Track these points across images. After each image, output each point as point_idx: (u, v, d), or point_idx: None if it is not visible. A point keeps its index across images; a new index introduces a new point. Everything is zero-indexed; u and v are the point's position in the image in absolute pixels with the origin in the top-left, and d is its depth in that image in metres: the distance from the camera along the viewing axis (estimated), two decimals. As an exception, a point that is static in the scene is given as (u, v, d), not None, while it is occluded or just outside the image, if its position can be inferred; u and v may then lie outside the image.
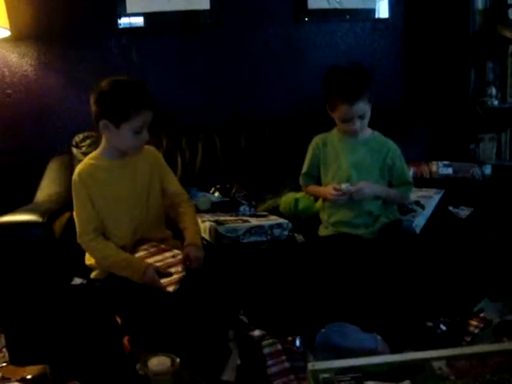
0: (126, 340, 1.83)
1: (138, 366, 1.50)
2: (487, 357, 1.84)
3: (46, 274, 2.05)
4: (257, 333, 1.94)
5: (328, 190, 2.19)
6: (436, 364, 1.82)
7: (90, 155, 2.02)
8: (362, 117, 2.18)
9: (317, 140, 2.35)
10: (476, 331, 2.01)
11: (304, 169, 2.36)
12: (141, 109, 1.87)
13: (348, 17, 3.13)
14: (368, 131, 2.28)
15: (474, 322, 2.06)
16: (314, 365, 1.77)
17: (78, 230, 1.93)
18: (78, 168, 1.98)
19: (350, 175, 2.22)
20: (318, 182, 2.33)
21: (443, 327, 2.08)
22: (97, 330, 1.84)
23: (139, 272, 1.85)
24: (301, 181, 2.38)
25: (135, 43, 2.83)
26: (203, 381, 1.58)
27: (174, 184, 2.11)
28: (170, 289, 1.83)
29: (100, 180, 1.95)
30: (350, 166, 2.23)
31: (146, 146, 2.07)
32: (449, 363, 1.82)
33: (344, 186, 2.16)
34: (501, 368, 1.81)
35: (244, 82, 3.00)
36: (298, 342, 1.95)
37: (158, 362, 1.48)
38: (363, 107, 2.16)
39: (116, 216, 1.96)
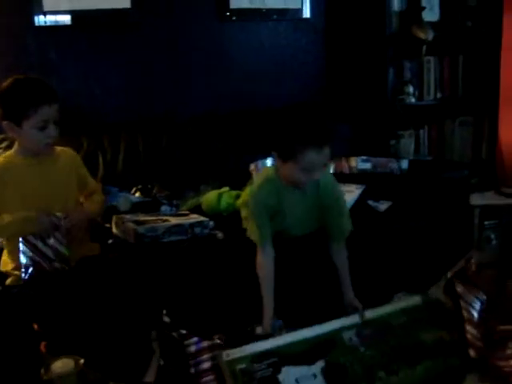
0: (42, 346, 1.79)
1: (42, 371, 1.47)
2: (389, 320, 1.92)
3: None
4: (179, 332, 1.94)
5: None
6: (346, 335, 1.87)
7: (6, 154, 2.02)
8: (325, 164, 1.94)
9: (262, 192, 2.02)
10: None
11: (257, 229, 2.01)
12: (39, 104, 1.85)
13: (270, 17, 3.18)
14: None
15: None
16: (228, 354, 1.71)
17: None
18: None
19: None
20: None
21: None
22: (13, 337, 1.80)
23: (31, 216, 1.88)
24: (258, 253, 2.01)
25: (53, 42, 2.75)
26: (111, 380, 1.56)
27: (91, 184, 2.14)
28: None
29: (13, 177, 1.94)
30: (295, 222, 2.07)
31: (65, 149, 2.08)
32: (358, 333, 1.86)
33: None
34: (401, 331, 1.91)
35: (167, 81, 2.98)
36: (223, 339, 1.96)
37: (62, 364, 1.46)
38: (328, 153, 1.89)
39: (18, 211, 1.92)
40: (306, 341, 1.84)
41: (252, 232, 2.04)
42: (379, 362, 1.88)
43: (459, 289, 1.90)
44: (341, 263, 2.06)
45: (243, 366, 1.73)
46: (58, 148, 2.06)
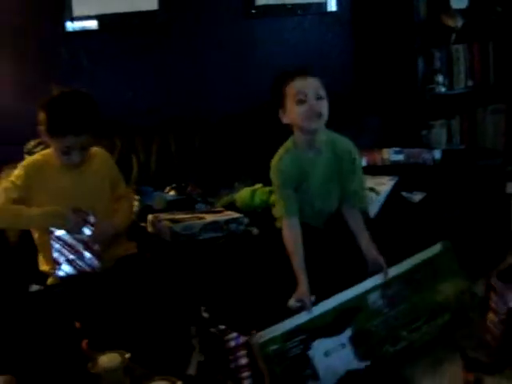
0: (84, 344, 1.83)
1: (89, 365, 1.51)
2: (410, 276, 2.03)
3: (2, 282, 2.02)
4: (218, 328, 1.96)
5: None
6: (371, 297, 1.95)
7: (47, 151, 2.07)
8: (318, 96, 2.02)
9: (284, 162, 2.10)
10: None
11: (282, 200, 2.08)
12: (66, 133, 1.91)
13: (296, 12, 3.17)
14: (324, 136, 2.12)
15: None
16: (260, 336, 1.79)
17: None
18: (32, 158, 2.08)
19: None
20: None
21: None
22: (56, 335, 1.84)
23: (59, 211, 1.92)
24: (283, 221, 2.07)
25: (84, 46, 2.79)
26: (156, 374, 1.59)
27: (122, 187, 2.18)
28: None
29: (48, 175, 2.00)
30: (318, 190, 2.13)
31: (98, 150, 2.14)
32: (382, 294, 1.97)
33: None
34: (421, 286, 2.03)
35: (195, 81, 3.00)
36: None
37: (108, 359, 1.50)
38: (317, 83, 2.03)
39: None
40: (332, 311, 1.90)
41: (278, 205, 2.10)
42: (402, 322, 1.96)
43: (493, 281, 1.92)
44: (357, 226, 2.09)
45: (276, 346, 1.80)
46: (92, 149, 2.11)
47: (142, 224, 2.29)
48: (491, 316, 1.96)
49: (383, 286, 1.97)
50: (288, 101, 2.04)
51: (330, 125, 2.15)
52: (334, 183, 2.13)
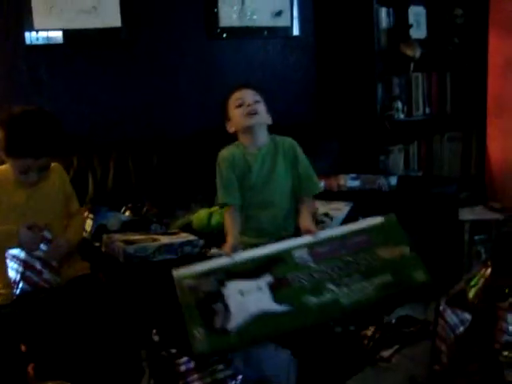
0: (30, 368, 1.79)
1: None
2: (346, 238, 2.01)
3: None
4: (169, 352, 1.94)
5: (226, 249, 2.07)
6: (297, 253, 1.95)
7: (1, 166, 2.03)
8: (256, 101, 2.26)
9: (225, 154, 2.31)
10: (377, 336, 2.10)
11: (223, 189, 2.25)
12: (24, 156, 1.88)
13: (260, 34, 3.21)
14: (267, 137, 2.31)
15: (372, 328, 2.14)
16: (177, 271, 1.87)
17: None
18: None
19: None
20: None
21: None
22: (0, 358, 1.79)
23: (12, 231, 1.88)
24: (225, 211, 2.25)
25: (44, 61, 2.75)
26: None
27: (75, 204, 2.17)
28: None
29: (2, 188, 1.97)
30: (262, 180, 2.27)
31: (55, 165, 2.10)
32: (310, 251, 1.97)
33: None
34: (358, 247, 2.01)
35: (158, 99, 2.99)
36: (214, 359, 1.95)
37: None
38: (254, 93, 2.28)
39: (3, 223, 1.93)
40: (254, 259, 1.94)
41: (220, 194, 2.26)
42: (329, 277, 1.92)
43: (442, 307, 1.95)
44: (303, 208, 2.25)
45: (191, 281, 1.85)
46: None
47: (96, 244, 2.26)
48: (439, 343, 1.97)
49: (312, 245, 1.99)
50: (230, 109, 2.29)
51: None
52: (276, 175, 2.27)
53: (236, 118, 2.28)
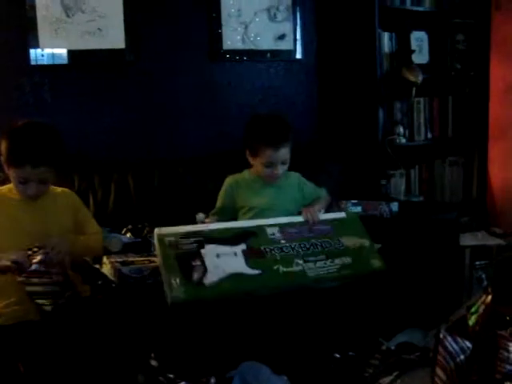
0: (27, 390, 1.77)
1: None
2: (313, 225, 2.28)
3: None
4: (167, 376, 1.92)
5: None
6: (270, 230, 2.18)
7: (8, 186, 2.05)
8: (284, 162, 2.31)
9: (230, 180, 2.42)
10: (377, 363, 2.09)
11: (216, 207, 2.42)
12: (23, 163, 1.89)
13: (263, 57, 3.22)
14: None
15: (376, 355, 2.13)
16: (160, 229, 2.04)
17: None
18: None
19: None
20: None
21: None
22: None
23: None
24: (211, 218, 2.40)
25: (48, 81, 2.77)
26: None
27: (92, 227, 2.18)
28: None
29: (6, 211, 1.97)
30: (264, 208, 2.35)
31: (65, 190, 2.16)
32: (281, 230, 2.20)
33: None
34: (322, 233, 2.28)
35: (159, 121, 3.00)
36: (212, 383, 1.93)
37: None
38: (286, 153, 2.30)
39: (8, 247, 1.91)
40: (230, 229, 2.15)
41: (215, 210, 2.41)
42: (298, 253, 2.16)
43: (442, 334, 1.93)
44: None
45: (172, 238, 2.02)
46: (58, 189, 2.12)
47: (96, 266, 2.25)
48: (439, 372, 1.95)
49: (283, 225, 2.22)
50: (257, 158, 2.32)
51: (291, 169, 2.43)
52: (280, 204, 2.39)
53: (259, 169, 2.34)
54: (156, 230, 2.04)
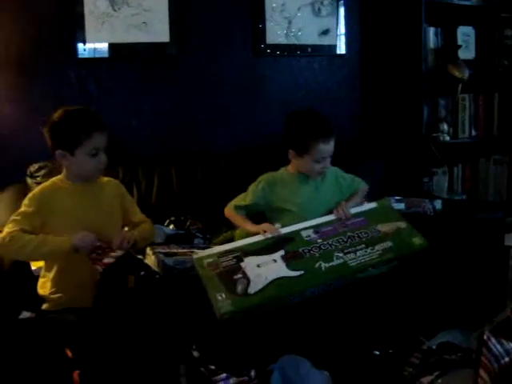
0: (75, 375, 1.80)
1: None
2: (346, 220, 2.27)
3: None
4: (208, 368, 1.93)
5: (268, 227, 2.21)
6: (304, 233, 2.18)
7: (57, 177, 2.08)
8: (331, 156, 2.31)
9: (267, 178, 2.41)
10: (417, 362, 2.06)
11: (245, 201, 2.39)
12: (91, 132, 1.94)
13: (306, 52, 3.21)
14: None
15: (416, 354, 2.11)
16: (197, 253, 2.07)
17: (4, 230, 1.92)
18: (43, 185, 2.06)
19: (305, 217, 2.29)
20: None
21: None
22: (46, 364, 1.81)
23: (66, 239, 1.89)
24: (232, 208, 2.39)
25: (93, 74, 2.82)
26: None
27: (137, 215, 2.20)
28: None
29: (61, 200, 2.00)
30: (302, 208, 2.33)
31: (110, 179, 2.19)
32: (315, 231, 2.21)
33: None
34: (357, 225, 2.27)
35: (202, 115, 3.02)
36: (252, 375, 1.94)
37: None
38: (333, 145, 2.29)
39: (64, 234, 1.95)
40: (266, 240, 2.14)
41: (240, 198, 2.40)
42: (336, 247, 2.15)
43: (486, 336, 1.90)
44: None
45: (210, 260, 2.04)
46: (103, 178, 2.14)
47: (139, 256, 2.28)
48: (482, 374, 1.92)
49: (317, 226, 2.22)
50: (307, 155, 2.28)
51: (334, 165, 2.42)
52: (318, 202, 2.37)
53: (307, 167, 2.31)
54: (194, 256, 2.06)
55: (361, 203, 2.42)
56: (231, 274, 2.00)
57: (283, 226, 2.23)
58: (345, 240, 2.18)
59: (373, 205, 2.38)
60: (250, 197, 2.39)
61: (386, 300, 2.20)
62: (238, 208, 2.38)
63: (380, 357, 2.12)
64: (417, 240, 2.24)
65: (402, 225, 2.29)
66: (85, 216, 2.00)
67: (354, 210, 2.32)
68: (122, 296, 1.95)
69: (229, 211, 2.40)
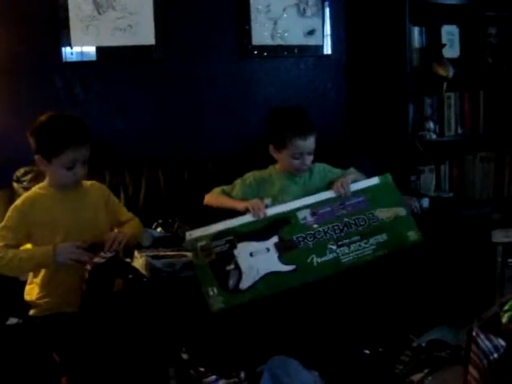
0: (64, 380, 1.80)
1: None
2: (346, 200, 2.23)
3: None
4: (197, 370, 1.93)
5: (255, 203, 2.20)
6: (301, 214, 2.13)
7: (38, 185, 2.07)
8: (311, 153, 2.30)
9: (255, 175, 2.42)
10: (407, 359, 2.07)
11: (232, 193, 2.38)
12: (68, 145, 1.91)
13: (292, 53, 3.22)
14: None
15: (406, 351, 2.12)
16: (190, 234, 2.04)
17: None
18: (25, 195, 2.05)
19: None
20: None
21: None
22: (34, 369, 1.81)
23: (48, 251, 1.87)
24: (218, 192, 2.40)
25: (79, 77, 2.81)
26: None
27: (124, 215, 2.20)
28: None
29: (44, 208, 1.98)
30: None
31: (93, 183, 2.17)
32: (313, 211, 2.16)
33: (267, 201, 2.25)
34: (356, 208, 2.22)
35: (189, 117, 3.02)
36: (242, 377, 1.95)
37: None
38: (313, 143, 2.29)
39: (45, 242, 1.94)
40: (260, 221, 2.11)
41: (223, 187, 2.39)
42: (331, 237, 2.13)
43: (475, 332, 1.91)
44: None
45: (203, 243, 2.02)
46: (87, 182, 2.13)
47: (127, 259, 2.27)
48: (472, 370, 1.93)
49: (314, 206, 2.17)
50: (285, 150, 2.30)
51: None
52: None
53: (288, 164, 2.32)
54: (187, 236, 2.05)
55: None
56: (224, 263, 2.01)
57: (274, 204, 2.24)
58: (340, 228, 2.15)
59: (375, 180, 2.33)
60: (237, 191, 2.38)
61: (375, 298, 2.22)
62: (224, 192, 2.39)
63: (370, 355, 2.13)
64: (412, 234, 2.23)
65: (402, 212, 2.26)
66: (68, 222, 1.99)
67: (354, 187, 2.28)
68: (110, 299, 1.95)
69: (212, 196, 2.40)
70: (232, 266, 2.00)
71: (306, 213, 2.15)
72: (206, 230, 2.06)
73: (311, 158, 2.33)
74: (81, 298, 1.89)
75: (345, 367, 2.03)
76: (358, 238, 2.15)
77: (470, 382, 1.93)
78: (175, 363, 1.91)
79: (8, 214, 1.97)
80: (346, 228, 2.16)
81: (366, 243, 2.16)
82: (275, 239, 2.07)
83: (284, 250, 2.06)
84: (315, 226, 2.13)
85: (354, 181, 2.35)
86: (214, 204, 2.38)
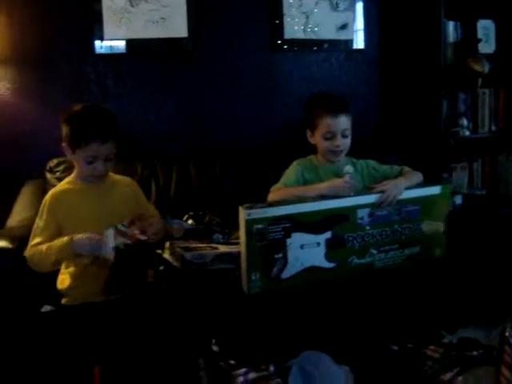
0: (96, 370, 1.82)
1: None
2: (402, 205, 2.15)
3: (14, 301, 2.02)
4: (228, 362, 1.93)
5: (336, 182, 2.13)
6: (360, 213, 2.08)
7: (67, 179, 2.08)
8: (344, 135, 2.21)
9: (301, 162, 2.33)
10: (436, 356, 2.04)
11: (291, 181, 2.27)
12: (90, 140, 1.91)
13: (323, 47, 3.20)
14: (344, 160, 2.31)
15: (432, 347, 2.09)
16: (249, 214, 1.92)
17: (29, 243, 1.93)
18: (52, 190, 2.04)
19: None
20: None
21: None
22: (67, 358, 1.83)
23: (66, 244, 1.87)
24: (281, 186, 2.26)
25: (111, 69, 2.83)
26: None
27: (151, 211, 2.19)
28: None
29: (70, 202, 1.99)
30: None
31: (124, 178, 2.18)
32: (371, 213, 2.10)
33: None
34: (409, 217, 2.16)
35: (220, 110, 3.03)
36: (271, 370, 1.94)
37: None
38: (346, 122, 2.22)
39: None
40: (322, 212, 2.04)
41: (278, 183, 2.27)
42: (376, 242, 2.11)
43: (508, 333, 1.88)
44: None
45: (260, 226, 1.94)
46: (117, 176, 2.14)
47: (158, 251, 2.28)
48: (504, 371, 1.90)
49: (374, 206, 2.10)
50: (317, 131, 2.24)
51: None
52: None
53: (320, 146, 2.25)
54: (245, 214, 1.89)
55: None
56: (274, 250, 1.97)
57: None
58: (387, 234, 2.13)
59: (436, 190, 2.22)
60: (288, 179, 2.28)
61: (407, 295, 2.18)
62: (288, 184, 2.26)
63: (400, 351, 2.10)
64: (437, 251, 2.24)
65: (441, 227, 2.23)
66: (93, 216, 1.99)
67: (413, 194, 2.17)
68: (143, 289, 1.96)
69: (277, 193, 2.24)
70: (280, 255, 1.97)
71: (364, 212, 2.09)
72: (266, 212, 1.95)
73: (346, 141, 2.23)
74: (106, 277, 1.91)
75: (375, 362, 2.01)
76: (397, 246, 2.14)
77: (501, 383, 1.90)
78: (205, 355, 1.91)
79: (40, 209, 1.99)
80: (391, 235, 2.14)
81: (401, 252, 2.15)
82: (328, 235, 2.04)
83: (331, 248, 2.04)
84: (367, 227, 2.10)
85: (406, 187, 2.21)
86: (287, 198, 2.20)
